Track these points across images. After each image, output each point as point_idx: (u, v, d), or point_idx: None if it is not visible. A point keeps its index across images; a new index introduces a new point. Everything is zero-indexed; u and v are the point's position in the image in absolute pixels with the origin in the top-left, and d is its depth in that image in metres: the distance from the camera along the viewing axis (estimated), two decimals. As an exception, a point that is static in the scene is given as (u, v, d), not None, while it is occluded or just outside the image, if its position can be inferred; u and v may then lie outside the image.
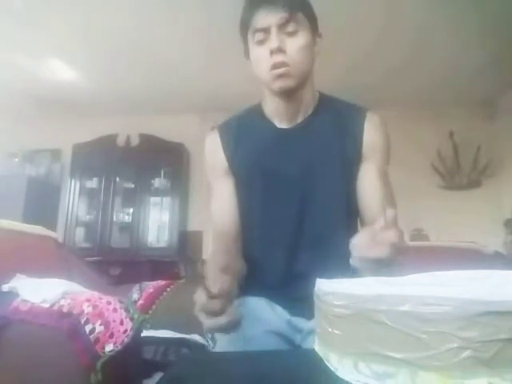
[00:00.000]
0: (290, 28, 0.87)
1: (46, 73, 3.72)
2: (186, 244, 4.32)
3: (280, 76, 0.87)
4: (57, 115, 4.55)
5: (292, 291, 0.90)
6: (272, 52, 0.86)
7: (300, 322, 0.90)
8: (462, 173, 4.17)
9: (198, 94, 4.09)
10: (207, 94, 4.00)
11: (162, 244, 4.29)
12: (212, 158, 1.02)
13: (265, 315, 0.92)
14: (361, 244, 0.68)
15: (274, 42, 0.86)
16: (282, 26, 0.87)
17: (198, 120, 4.32)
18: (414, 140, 4.04)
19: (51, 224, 4.09)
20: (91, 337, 0.90)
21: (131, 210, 4.39)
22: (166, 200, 4.42)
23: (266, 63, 0.88)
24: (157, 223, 4.40)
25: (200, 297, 0.64)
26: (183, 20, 3.01)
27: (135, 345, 0.98)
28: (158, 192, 4.43)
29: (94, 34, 3.19)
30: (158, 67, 3.66)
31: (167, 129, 4.38)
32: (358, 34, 3.15)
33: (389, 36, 3.15)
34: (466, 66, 3.53)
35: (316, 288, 0.51)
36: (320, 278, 0.52)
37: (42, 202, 4.23)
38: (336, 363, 0.44)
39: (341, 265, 0.86)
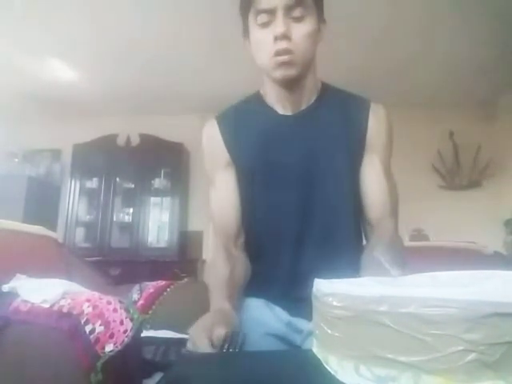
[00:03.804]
0: (297, 13, 0.80)
1: (46, 73, 3.72)
2: (186, 244, 4.32)
3: (283, 64, 0.81)
4: (57, 115, 4.55)
5: (295, 291, 0.85)
6: (276, 38, 0.79)
7: (300, 322, 0.87)
8: (462, 173, 4.17)
9: (198, 94, 4.09)
10: (207, 94, 3.99)
11: (162, 244, 4.29)
12: (211, 149, 0.95)
13: (264, 318, 0.89)
14: None
15: (279, 27, 0.79)
16: (288, 9, 0.80)
17: (198, 120, 4.31)
18: (414, 140, 4.03)
19: (51, 224, 4.09)
20: (91, 337, 0.89)
21: (131, 210, 4.39)
22: (166, 200, 4.42)
23: (268, 48, 0.81)
24: (157, 223, 4.41)
25: (198, 340, 0.65)
26: (183, 20, 3.01)
27: (135, 345, 0.98)
28: (158, 192, 4.42)
29: (94, 34, 3.18)
30: (159, 67, 3.66)
31: (167, 129, 4.38)
32: (358, 34, 3.15)
33: (389, 36, 3.15)
34: (467, 66, 3.53)
35: (314, 288, 0.49)
36: (326, 276, 0.50)
37: (42, 202, 4.23)
38: (336, 366, 0.43)
39: (347, 262, 0.84)
